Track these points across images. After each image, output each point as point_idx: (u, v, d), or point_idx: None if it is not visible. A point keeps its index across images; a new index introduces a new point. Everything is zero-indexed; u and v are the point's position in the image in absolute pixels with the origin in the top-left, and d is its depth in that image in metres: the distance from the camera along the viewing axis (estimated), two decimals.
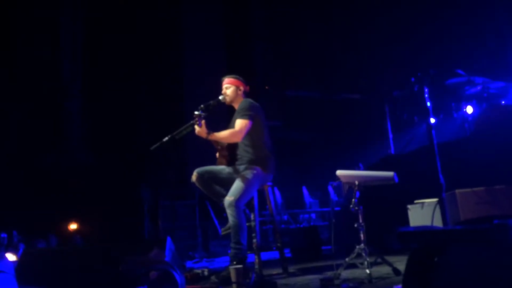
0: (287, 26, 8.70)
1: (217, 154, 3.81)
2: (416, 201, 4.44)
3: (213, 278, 3.45)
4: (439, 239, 1.88)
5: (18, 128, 6.70)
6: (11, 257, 4.11)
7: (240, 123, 3.61)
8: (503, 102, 5.68)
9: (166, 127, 6.96)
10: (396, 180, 3.12)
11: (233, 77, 3.88)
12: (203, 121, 3.45)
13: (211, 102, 3.62)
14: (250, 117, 3.63)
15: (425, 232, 2.03)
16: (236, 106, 3.85)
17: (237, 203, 3.46)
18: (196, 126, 3.47)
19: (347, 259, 3.12)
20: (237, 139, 3.64)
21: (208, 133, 3.52)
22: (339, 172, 3.19)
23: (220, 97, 3.75)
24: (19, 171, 6.40)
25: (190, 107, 7.64)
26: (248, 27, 8.90)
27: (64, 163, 6.78)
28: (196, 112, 3.44)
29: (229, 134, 3.63)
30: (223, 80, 3.89)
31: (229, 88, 3.83)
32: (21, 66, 6.91)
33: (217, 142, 3.73)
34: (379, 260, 3.19)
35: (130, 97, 7.50)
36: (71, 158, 6.96)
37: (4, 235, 4.95)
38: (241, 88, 3.85)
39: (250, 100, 3.80)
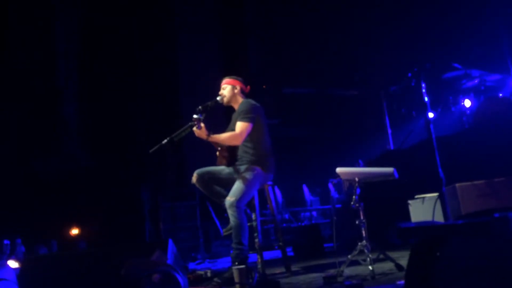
0: (282, 23, 8.68)
1: (217, 154, 3.81)
2: (416, 196, 4.44)
3: (216, 279, 3.45)
4: (440, 234, 1.88)
5: (15, 132, 6.67)
6: (13, 264, 4.11)
7: (240, 126, 3.60)
8: (500, 94, 5.69)
9: (164, 128, 7.01)
10: (396, 175, 3.11)
11: (229, 77, 3.86)
12: (202, 124, 3.45)
13: (209, 103, 3.60)
14: (250, 120, 3.62)
15: (425, 227, 2.03)
16: (235, 106, 3.83)
17: (238, 203, 3.46)
18: (195, 128, 3.46)
19: (349, 256, 3.12)
20: (238, 142, 3.63)
21: (208, 135, 3.51)
22: (339, 169, 3.19)
23: (218, 98, 3.73)
24: (17, 176, 6.37)
25: (187, 107, 7.71)
26: (243, 26, 8.88)
27: (62, 167, 6.76)
28: (195, 116, 3.42)
29: (230, 137, 3.62)
30: (221, 82, 3.88)
31: (225, 88, 3.82)
32: (17, 69, 6.88)
33: (217, 143, 3.72)
34: (381, 256, 3.19)
35: (126, 99, 7.48)
36: (69, 162, 6.93)
37: (6, 241, 4.94)
38: (237, 86, 3.82)
39: (251, 101, 3.78)
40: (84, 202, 6.39)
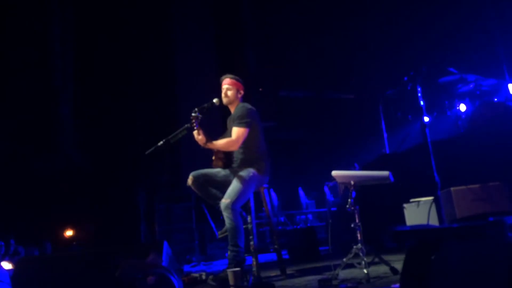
0: (279, 27, 8.71)
1: (213, 157, 3.81)
2: (411, 200, 4.45)
3: (210, 278, 3.44)
4: (435, 238, 1.88)
5: (11, 132, 6.65)
6: (6, 265, 4.08)
7: (237, 132, 3.61)
8: (495, 99, 5.72)
9: (160, 129, 7.00)
10: (392, 179, 3.12)
11: (234, 79, 3.83)
12: (201, 131, 3.45)
13: (206, 105, 3.59)
14: (247, 125, 3.62)
15: (420, 231, 2.04)
16: (232, 108, 3.84)
17: (233, 205, 3.46)
18: (195, 134, 3.45)
19: (344, 259, 3.12)
20: (234, 147, 3.65)
21: (207, 141, 3.51)
22: (334, 173, 3.19)
23: (214, 100, 3.72)
24: (11, 177, 6.34)
25: (183, 109, 7.71)
26: (240, 28, 8.90)
27: (58, 168, 6.73)
28: (193, 114, 3.43)
29: (227, 143, 3.63)
30: (222, 80, 3.84)
31: (230, 90, 3.80)
32: (14, 69, 6.86)
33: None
34: (376, 259, 3.20)
35: (123, 101, 7.47)
36: (65, 163, 6.91)
37: (1, 243, 4.92)
38: (241, 92, 3.84)
39: (247, 105, 3.78)
40: (79, 203, 6.37)
